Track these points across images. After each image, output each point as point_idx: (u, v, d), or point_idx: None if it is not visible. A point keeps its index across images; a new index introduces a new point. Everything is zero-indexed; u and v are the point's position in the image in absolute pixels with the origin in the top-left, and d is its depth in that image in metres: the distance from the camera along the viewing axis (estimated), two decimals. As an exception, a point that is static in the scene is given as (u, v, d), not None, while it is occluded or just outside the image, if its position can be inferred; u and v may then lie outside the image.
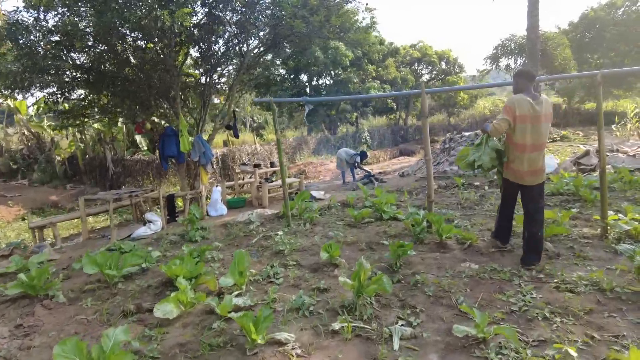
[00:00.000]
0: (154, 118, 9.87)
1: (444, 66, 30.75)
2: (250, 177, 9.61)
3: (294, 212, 6.63)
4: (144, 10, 5.42)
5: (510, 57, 22.88)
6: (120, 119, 10.21)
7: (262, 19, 7.96)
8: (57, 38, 6.92)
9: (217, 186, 8.48)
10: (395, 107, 27.80)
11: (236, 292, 3.58)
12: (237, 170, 9.58)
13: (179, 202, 9.03)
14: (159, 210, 7.71)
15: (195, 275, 3.85)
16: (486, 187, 8.08)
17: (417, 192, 8.21)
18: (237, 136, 8.96)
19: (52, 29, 6.70)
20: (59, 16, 6.78)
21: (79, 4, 6.30)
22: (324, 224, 6.01)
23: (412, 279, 3.69)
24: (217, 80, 9.50)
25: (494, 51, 23.19)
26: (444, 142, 11.90)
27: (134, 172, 16.02)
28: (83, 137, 16.98)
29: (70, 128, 14.71)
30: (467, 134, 11.77)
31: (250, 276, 3.99)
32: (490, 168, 4.14)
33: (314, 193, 9.17)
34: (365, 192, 7.28)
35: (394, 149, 26.22)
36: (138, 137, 16.58)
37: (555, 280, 3.47)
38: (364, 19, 9.23)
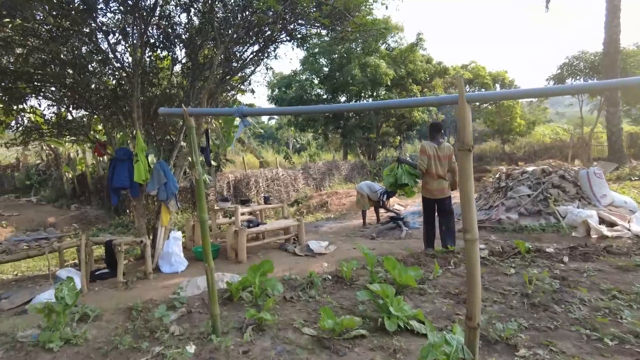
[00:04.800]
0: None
1: (498, 89, 27.23)
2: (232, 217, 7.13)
3: (244, 296, 4.00)
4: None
5: (578, 77, 19.13)
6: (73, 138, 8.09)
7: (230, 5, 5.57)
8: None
9: (172, 230, 6.08)
10: (443, 131, 24.59)
11: None
12: (215, 208, 7.13)
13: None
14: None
15: None
16: (565, 259, 5.03)
17: (460, 259, 5.27)
18: (209, 163, 6.58)
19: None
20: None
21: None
22: (278, 332, 3.31)
23: None
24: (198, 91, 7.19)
25: (559, 71, 19.54)
26: (498, 179, 8.80)
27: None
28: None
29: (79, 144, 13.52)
30: (529, 169, 8.63)
31: None
32: (412, 185, 6.03)
33: (313, 245, 6.50)
34: (369, 261, 4.51)
35: (439, 177, 22.98)
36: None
37: None
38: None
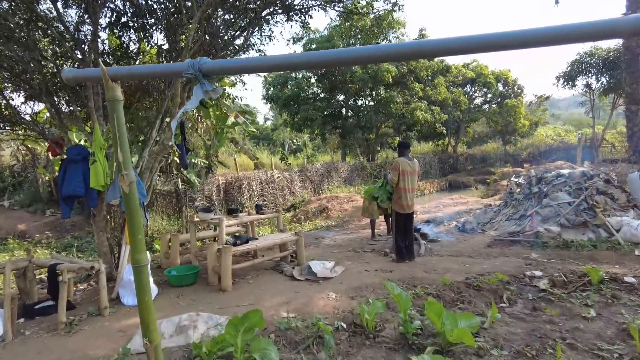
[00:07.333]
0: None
1: (501, 88, 26.09)
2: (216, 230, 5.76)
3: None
4: None
5: (590, 74, 17.94)
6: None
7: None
8: None
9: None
10: (444, 132, 23.36)
11: None
12: (195, 219, 5.78)
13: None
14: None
15: None
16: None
17: (514, 293, 3.94)
18: (185, 165, 5.25)
19: None
20: None
21: None
22: None
23: None
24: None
25: (569, 68, 18.32)
26: (529, 183, 7.49)
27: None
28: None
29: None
30: (565, 171, 7.34)
31: None
32: (385, 201, 6.58)
33: (316, 267, 5.14)
34: (402, 305, 3.17)
35: (442, 180, 21.74)
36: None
37: None
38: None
